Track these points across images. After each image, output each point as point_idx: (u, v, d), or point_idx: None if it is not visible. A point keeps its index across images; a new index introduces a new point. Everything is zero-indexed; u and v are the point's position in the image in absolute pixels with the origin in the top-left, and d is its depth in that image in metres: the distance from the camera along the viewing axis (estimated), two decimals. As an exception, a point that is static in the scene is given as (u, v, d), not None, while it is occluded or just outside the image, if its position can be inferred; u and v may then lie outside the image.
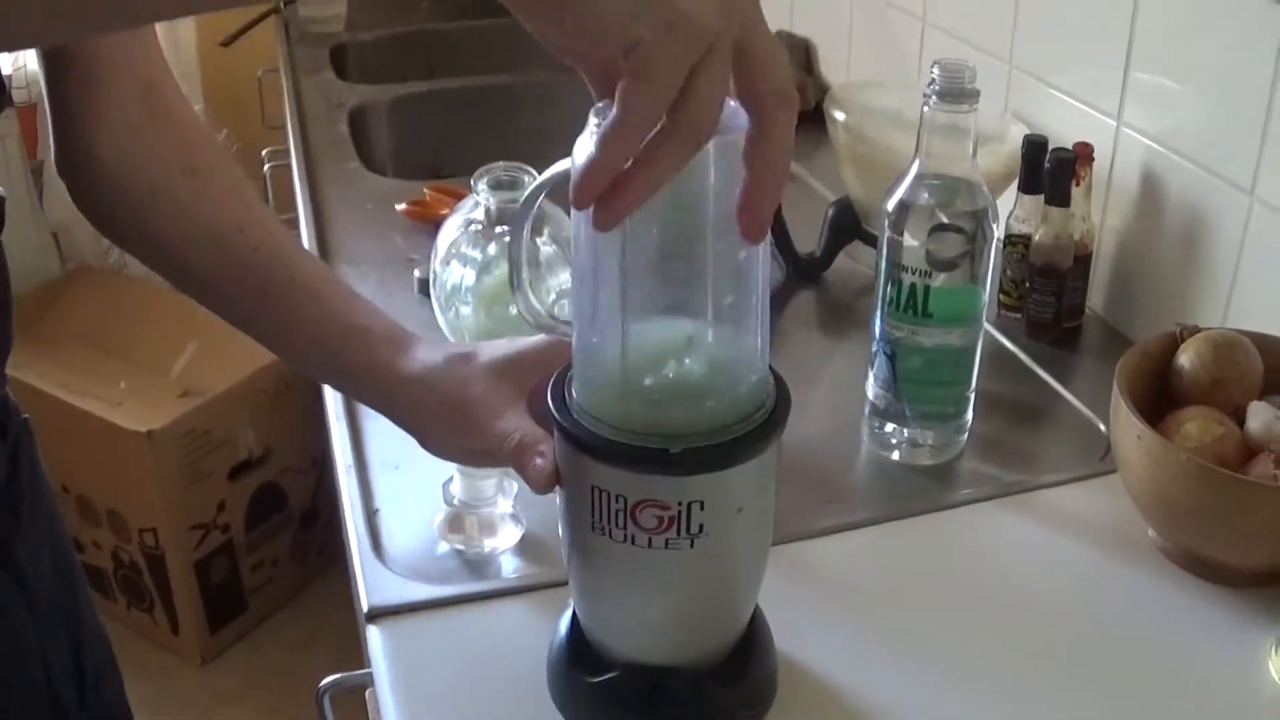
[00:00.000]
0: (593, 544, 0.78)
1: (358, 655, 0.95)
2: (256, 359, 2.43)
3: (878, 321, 1.09)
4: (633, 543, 0.76)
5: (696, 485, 0.74)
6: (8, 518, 1.03)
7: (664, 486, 0.74)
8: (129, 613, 2.50)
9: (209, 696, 2.41)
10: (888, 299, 1.07)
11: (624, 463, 0.74)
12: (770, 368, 0.79)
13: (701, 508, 0.74)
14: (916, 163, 1.05)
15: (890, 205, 1.06)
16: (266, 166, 2.18)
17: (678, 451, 0.73)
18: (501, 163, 1.18)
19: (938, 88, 1.01)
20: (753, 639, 0.87)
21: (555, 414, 0.77)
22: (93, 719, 1.14)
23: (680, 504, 0.74)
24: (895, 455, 1.13)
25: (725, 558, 0.79)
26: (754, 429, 0.75)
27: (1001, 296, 1.35)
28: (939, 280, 1.04)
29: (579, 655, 0.86)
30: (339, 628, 2.26)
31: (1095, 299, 1.36)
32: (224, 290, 0.97)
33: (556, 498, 0.81)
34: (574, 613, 0.87)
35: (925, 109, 1.03)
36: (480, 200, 1.17)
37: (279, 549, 2.55)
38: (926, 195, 1.04)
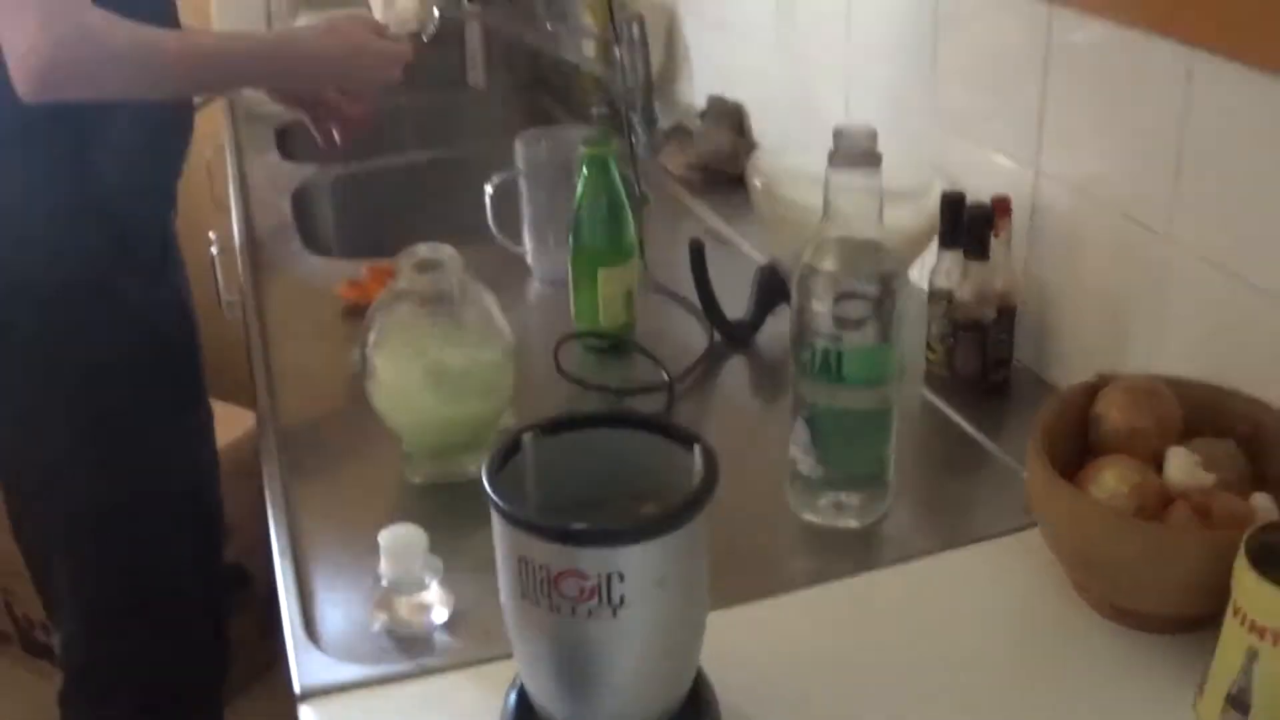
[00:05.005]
0: (523, 611, 0.81)
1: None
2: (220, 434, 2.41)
3: (796, 386, 1.10)
4: (558, 612, 0.78)
5: (614, 557, 0.77)
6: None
7: (583, 558, 0.77)
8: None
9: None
10: (803, 363, 1.08)
11: (544, 535, 0.77)
12: (702, 443, 0.83)
13: (621, 579, 0.77)
14: (823, 226, 1.05)
15: (797, 271, 1.07)
16: (214, 249, 2.17)
17: (590, 526, 0.77)
18: (424, 244, 1.19)
19: (838, 152, 1.02)
20: (695, 706, 0.88)
21: (487, 486, 0.80)
22: None
23: (600, 575, 0.77)
24: (820, 519, 1.13)
25: (651, 628, 0.80)
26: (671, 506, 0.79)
27: (928, 353, 1.35)
28: (849, 342, 1.05)
29: None
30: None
31: (1023, 351, 1.35)
32: None
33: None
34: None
35: (828, 174, 1.03)
36: (404, 283, 1.18)
37: (245, 629, 2.53)
38: (831, 260, 1.05)
